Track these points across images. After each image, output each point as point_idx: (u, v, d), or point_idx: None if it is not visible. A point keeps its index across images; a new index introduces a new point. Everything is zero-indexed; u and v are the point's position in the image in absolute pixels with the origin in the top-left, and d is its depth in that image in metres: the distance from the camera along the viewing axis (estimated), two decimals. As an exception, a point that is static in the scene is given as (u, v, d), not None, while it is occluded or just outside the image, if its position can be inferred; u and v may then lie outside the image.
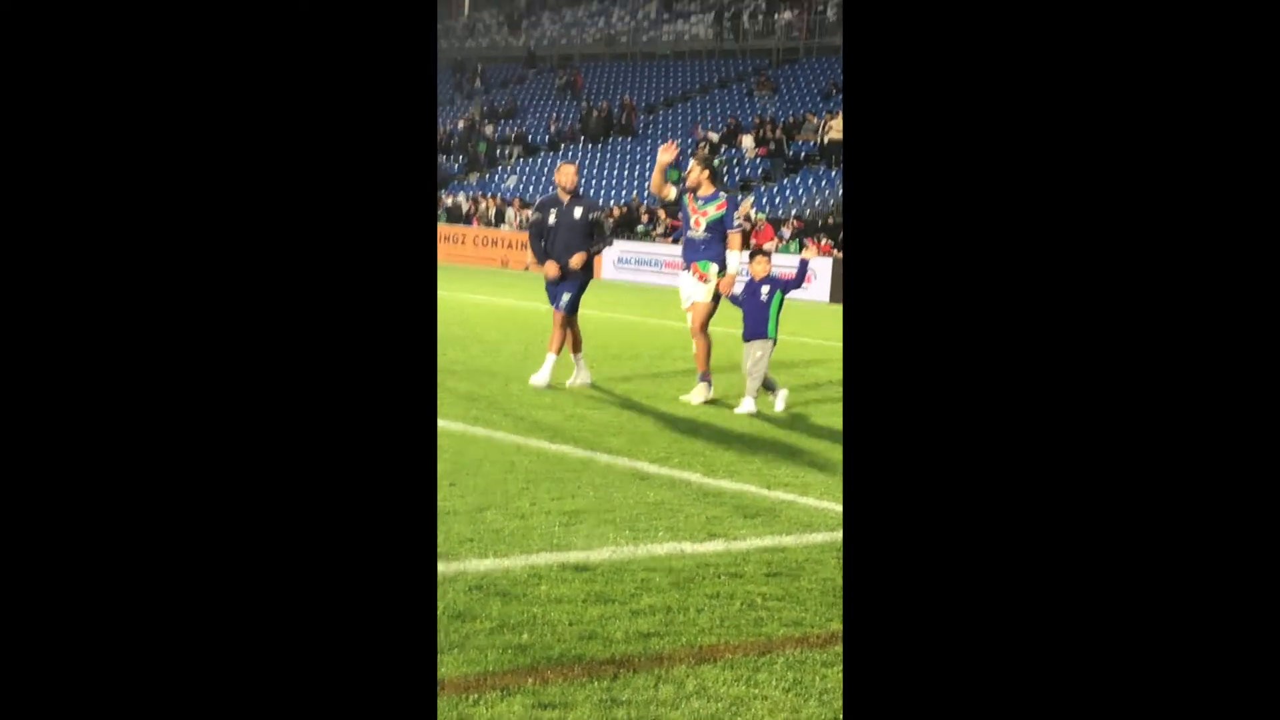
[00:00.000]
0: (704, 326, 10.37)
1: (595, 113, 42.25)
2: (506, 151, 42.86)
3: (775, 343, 10.10)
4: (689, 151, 37.30)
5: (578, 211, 10.60)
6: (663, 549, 5.44)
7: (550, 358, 10.57)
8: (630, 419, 9.19)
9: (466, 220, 36.48)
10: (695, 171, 10.54)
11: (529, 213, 10.87)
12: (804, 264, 10.19)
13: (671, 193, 10.92)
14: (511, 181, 39.77)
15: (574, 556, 5.21)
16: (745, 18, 46.59)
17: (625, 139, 41.04)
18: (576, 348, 10.78)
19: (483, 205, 36.85)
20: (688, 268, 10.49)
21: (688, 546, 5.51)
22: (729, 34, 46.74)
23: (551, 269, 10.53)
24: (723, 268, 10.31)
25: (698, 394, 10.24)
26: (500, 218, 35.53)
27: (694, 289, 10.41)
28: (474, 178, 41.76)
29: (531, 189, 38.74)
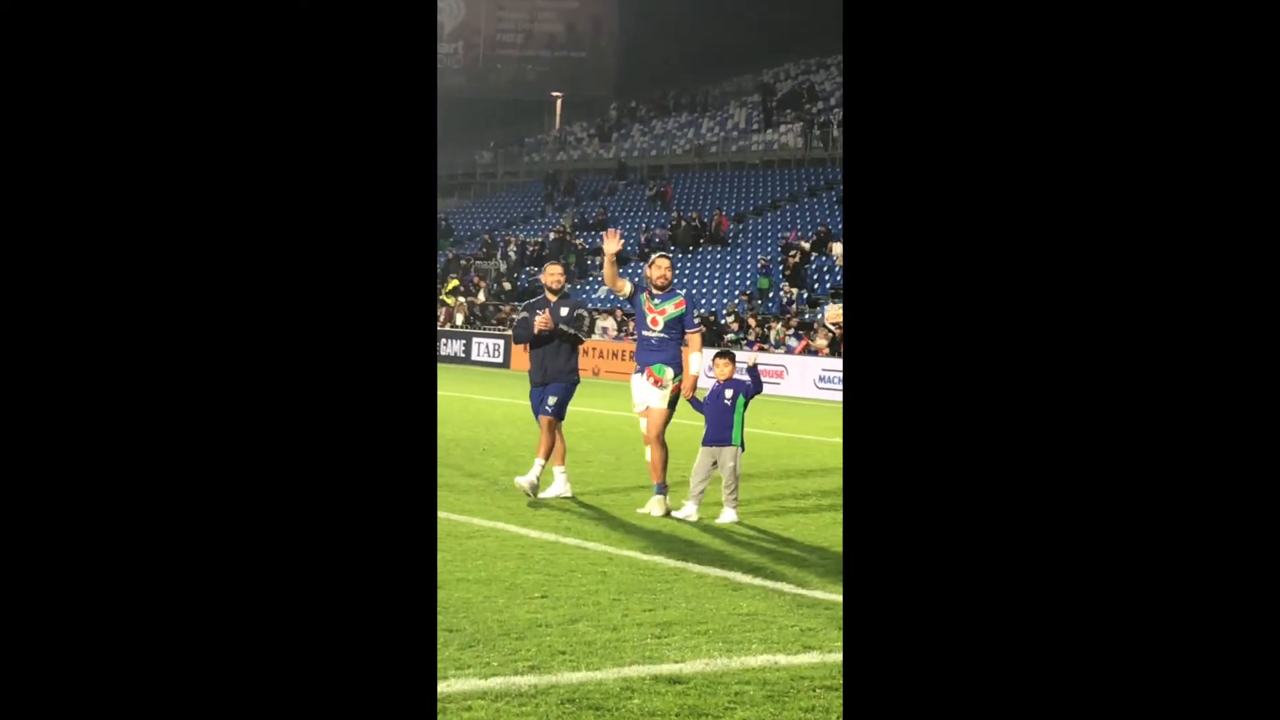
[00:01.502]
0: (660, 435, 9.80)
1: (685, 222, 42.60)
2: (597, 262, 43.27)
3: (743, 449, 9.59)
4: (777, 259, 37.41)
5: (563, 310, 10.37)
6: (757, 661, 5.37)
7: (538, 462, 10.26)
8: (722, 528, 9.13)
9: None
10: (660, 267, 9.99)
11: (518, 313, 10.52)
12: (754, 369, 9.82)
13: (627, 287, 10.18)
14: (602, 292, 40.08)
15: (667, 669, 5.16)
16: (834, 126, 46.93)
17: (715, 248, 41.31)
18: (560, 459, 10.40)
19: (574, 315, 37.21)
20: (641, 370, 9.95)
21: (782, 658, 5.44)
22: (818, 142, 47.06)
23: (541, 321, 10.22)
24: (678, 370, 9.79)
25: (655, 506, 9.59)
26: (591, 328, 35.89)
27: (649, 394, 9.86)
28: (565, 288, 42.22)
29: (621, 299, 39.02)
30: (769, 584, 7.13)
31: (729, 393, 9.59)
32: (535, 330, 10.29)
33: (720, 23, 57.25)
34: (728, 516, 9.38)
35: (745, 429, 9.67)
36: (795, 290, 35.69)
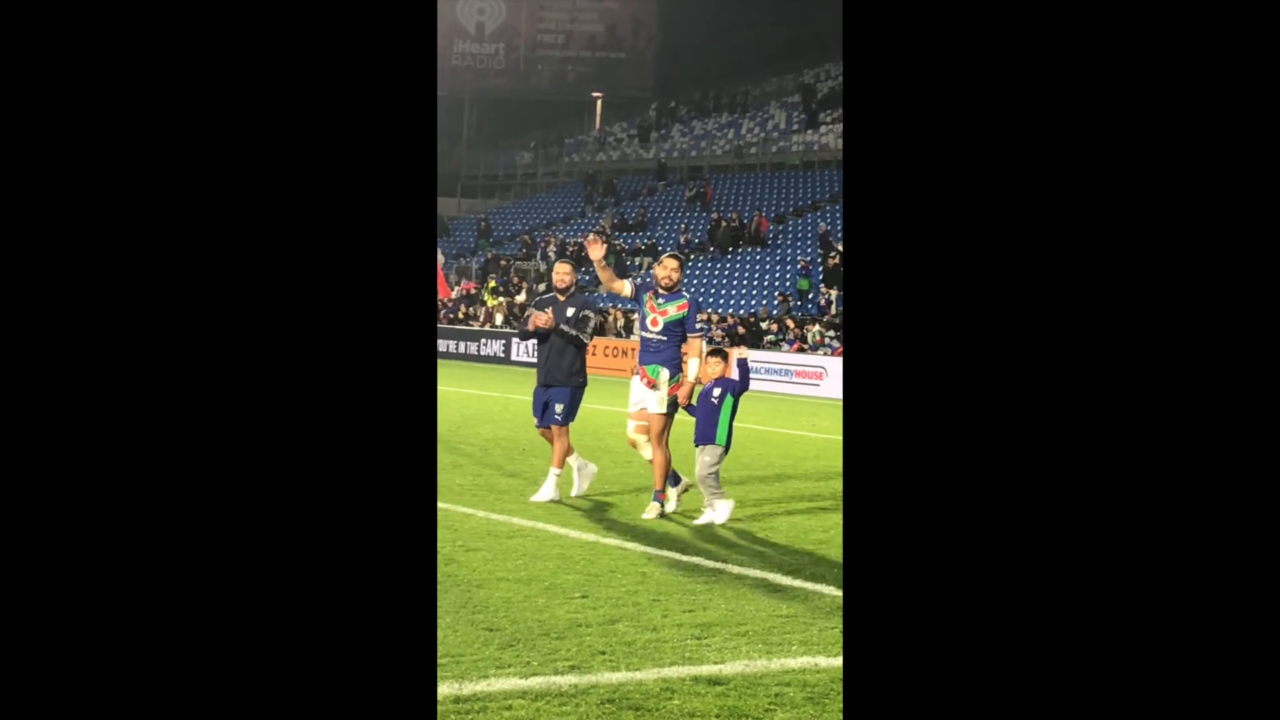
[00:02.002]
0: (661, 438, 9.56)
1: (724, 223, 42.57)
2: (637, 262, 43.30)
3: (727, 450, 9.36)
4: (818, 263, 37.32)
5: (569, 310, 10.10)
6: (797, 663, 5.37)
7: (553, 473, 10.01)
8: (762, 529, 9.13)
9: (597, 331, 36.80)
10: (667, 266, 9.75)
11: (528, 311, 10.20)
12: (743, 363, 9.46)
13: (627, 288, 9.87)
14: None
15: (707, 670, 5.17)
16: (874, 127, 46.68)
17: (755, 249, 41.25)
18: (558, 461, 10.10)
19: (611, 315, 37.21)
20: (639, 371, 9.75)
21: (822, 660, 5.43)
22: (858, 144, 46.87)
23: (541, 319, 10.00)
24: (674, 372, 9.55)
25: (652, 511, 9.43)
26: (629, 328, 35.85)
27: (645, 396, 9.65)
28: (604, 289, 42.24)
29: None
30: (809, 585, 7.12)
31: (717, 391, 9.34)
32: (531, 327, 10.09)
33: (761, 23, 57.16)
34: (714, 515, 9.19)
35: (736, 426, 9.45)
36: (835, 292, 35.60)
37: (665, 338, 9.60)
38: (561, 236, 47.07)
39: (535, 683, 4.84)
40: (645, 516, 9.35)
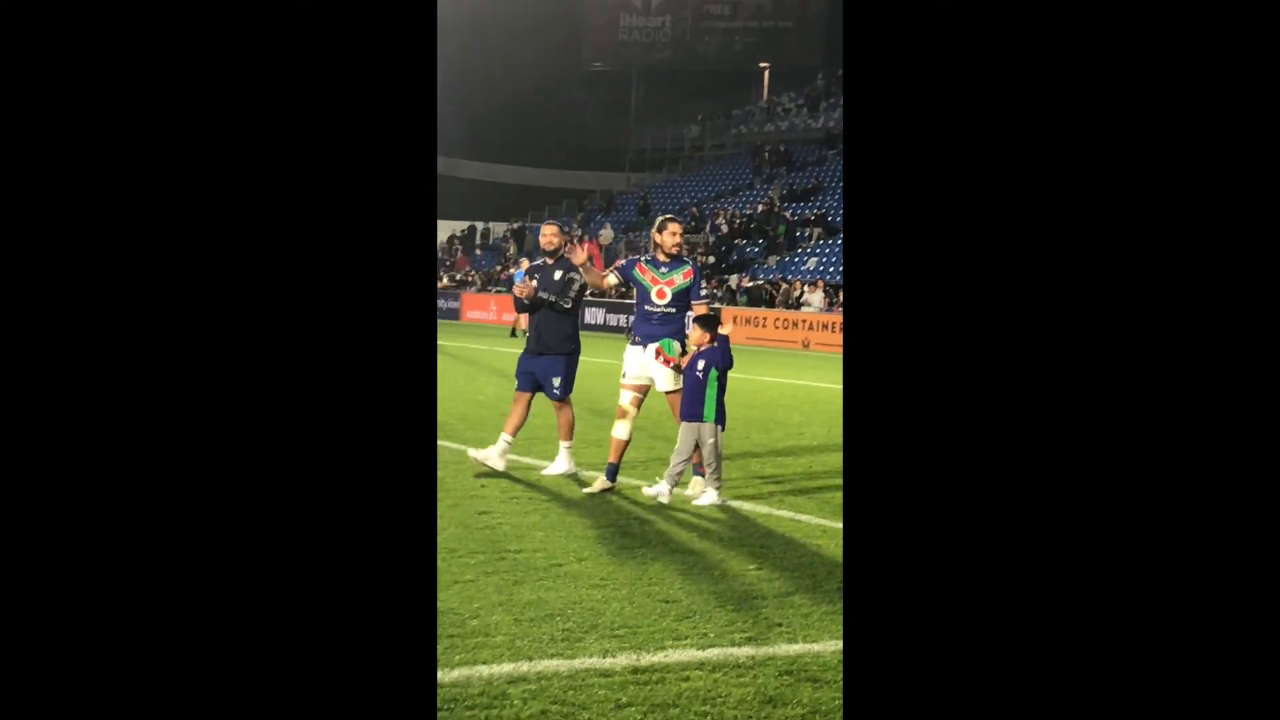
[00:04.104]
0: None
1: (895, 192, 42.07)
2: (806, 233, 43.05)
3: (722, 427, 8.64)
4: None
5: (557, 274, 9.70)
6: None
7: (564, 445, 9.57)
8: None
9: (768, 303, 36.68)
10: (673, 233, 9.30)
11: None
12: (724, 339, 8.80)
13: (611, 279, 9.46)
14: (811, 263, 39.85)
15: (884, 643, 5.14)
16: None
17: (926, 217, 40.72)
18: (567, 434, 9.64)
19: (783, 287, 37.05)
20: (641, 343, 9.20)
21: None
22: (1032, 108, 45.90)
23: (519, 289, 9.73)
24: (684, 345, 9.08)
25: (699, 492, 8.78)
26: (800, 300, 35.67)
27: (655, 371, 9.14)
28: (773, 260, 42.09)
29: (831, 270, 38.75)
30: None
31: (701, 364, 8.67)
32: (516, 297, 9.85)
33: (931, -12, 56.28)
34: (708, 498, 8.56)
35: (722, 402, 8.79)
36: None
37: (674, 309, 9.21)
38: (730, 209, 47.02)
39: (712, 654, 4.87)
40: (586, 491, 8.81)
